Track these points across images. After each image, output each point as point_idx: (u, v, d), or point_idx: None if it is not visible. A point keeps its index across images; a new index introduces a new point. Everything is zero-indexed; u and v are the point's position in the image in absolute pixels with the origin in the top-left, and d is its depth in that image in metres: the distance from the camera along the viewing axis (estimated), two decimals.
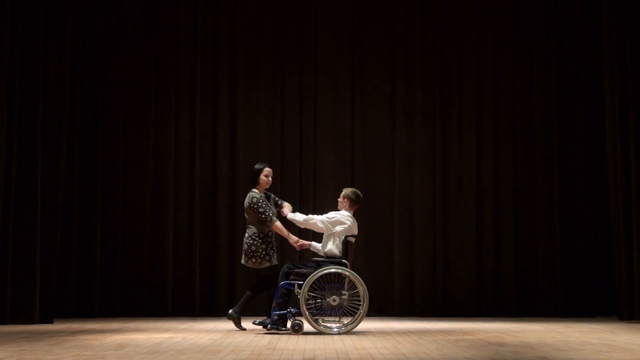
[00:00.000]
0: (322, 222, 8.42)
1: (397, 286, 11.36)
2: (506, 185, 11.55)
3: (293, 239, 8.66)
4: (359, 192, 8.71)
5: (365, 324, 9.77)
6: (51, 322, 9.65)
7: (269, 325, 8.24)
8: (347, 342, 7.37)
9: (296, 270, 8.28)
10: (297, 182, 11.54)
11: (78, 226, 10.95)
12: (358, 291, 8.12)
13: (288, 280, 8.20)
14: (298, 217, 8.58)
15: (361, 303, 8.09)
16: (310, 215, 8.59)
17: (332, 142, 11.66)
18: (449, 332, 8.57)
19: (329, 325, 8.16)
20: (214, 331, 8.49)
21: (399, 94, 11.66)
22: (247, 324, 8.67)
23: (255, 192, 8.71)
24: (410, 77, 11.67)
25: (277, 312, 8.16)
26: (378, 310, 11.32)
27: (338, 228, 8.38)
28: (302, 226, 8.68)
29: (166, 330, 8.62)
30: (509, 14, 11.77)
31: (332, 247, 8.38)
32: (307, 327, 8.16)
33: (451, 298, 11.33)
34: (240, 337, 7.84)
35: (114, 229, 11.19)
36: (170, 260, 11.22)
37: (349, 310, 8.19)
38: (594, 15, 11.41)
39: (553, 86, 11.54)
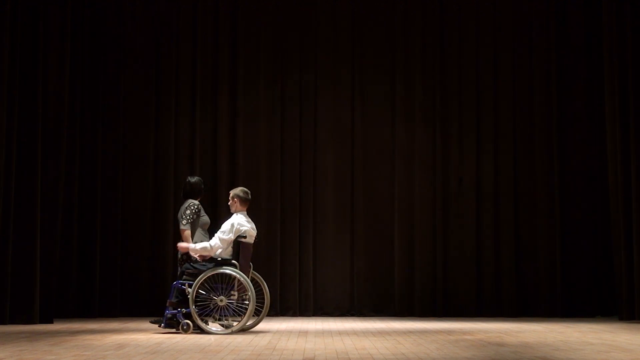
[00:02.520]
0: (221, 240, 8.31)
1: (397, 286, 11.36)
2: (506, 185, 11.54)
3: (193, 250, 8.51)
4: (246, 189, 8.64)
5: (366, 324, 9.78)
6: (51, 322, 9.64)
7: (162, 325, 8.26)
8: (347, 342, 7.37)
9: (188, 270, 8.30)
10: (297, 182, 11.55)
11: (78, 226, 10.96)
12: (248, 292, 8.14)
13: (181, 280, 8.25)
14: (204, 248, 8.35)
15: (249, 304, 8.10)
16: (211, 242, 8.38)
17: (332, 142, 11.66)
18: (449, 332, 8.57)
19: (220, 324, 8.19)
20: None
21: (399, 94, 11.66)
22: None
23: (195, 202, 8.73)
24: (410, 77, 11.67)
25: (170, 312, 8.20)
26: (378, 310, 11.34)
27: (242, 229, 8.34)
28: (214, 253, 8.35)
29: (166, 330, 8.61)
30: (509, 14, 11.77)
31: (221, 251, 8.39)
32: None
33: (451, 298, 11.33)
34: (240, 337, 7.84)
35: (114, 229, 11.19)
36: (170, 261, 11.19)
37: (238, 311, 8.18)
38: (594, 14, 11.41)
39: (553, 86, 11.54)
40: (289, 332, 8.46)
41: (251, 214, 11.39)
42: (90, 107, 11.18)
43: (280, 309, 11.28)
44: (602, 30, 10.97)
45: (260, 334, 8.12)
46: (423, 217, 11.45)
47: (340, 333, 8.43)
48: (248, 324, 8.29)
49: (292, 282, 11.39)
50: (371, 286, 11.45)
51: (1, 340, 7.43)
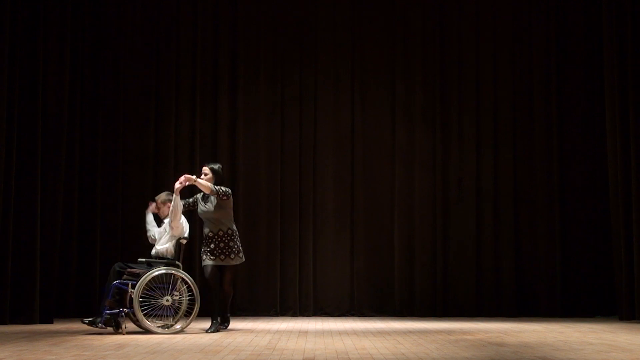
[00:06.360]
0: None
1: (397, 286, 11.36)
2: (506, 185, 11.55)
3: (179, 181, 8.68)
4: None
5: (366, 324, 9.77)
6: (51, 322, 9.64)
7: (100, 325, 8.17)
8: (347, 342, 7.37)
9: (129, 270, 8.30)
10: (297, 182, 11.54)
11: (78, 226, 10.96)
12: (192, 292, 8.22)
13: (120, 279, 8.21)
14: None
15: (194, 303, 8.16)
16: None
17: (332, 142, 11.66)
18: (449, 332, 8.57)
19: (163, 324, 8.20)
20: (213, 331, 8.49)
21: (399, 94, 11.67)
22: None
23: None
24: (410, 77, 11.67)
25: (109, 312, 8.10)
26: (378, 310, 11.33)
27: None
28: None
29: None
30: (509, 14, 11.78)
31: (169, 246, 8.50)
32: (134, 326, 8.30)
33: (451, 298, 11.33)
34: (240, 337, 7.84)
35: (113, 230, 11.19)
36: None
37: (178, 311, 8.23)
38: (593, 14, 11.42)
39: (553, 86, 11.55)
40: (289, 332, 8.46)
41: (251, 214, 11.48)
42: (90, 107, 11.19)
43: (280, 309, 11.28)
44: (602, 30, 10.97)
45: (260, 334, 8.12)
46: (423, 217, 11.45)
47: (340, 333, 8.43)
48: (178, 326, 8.27)
49: (292, 282, 11.39)
50: (371, 286, 11.45)
51: (1, 340, 7.43)
